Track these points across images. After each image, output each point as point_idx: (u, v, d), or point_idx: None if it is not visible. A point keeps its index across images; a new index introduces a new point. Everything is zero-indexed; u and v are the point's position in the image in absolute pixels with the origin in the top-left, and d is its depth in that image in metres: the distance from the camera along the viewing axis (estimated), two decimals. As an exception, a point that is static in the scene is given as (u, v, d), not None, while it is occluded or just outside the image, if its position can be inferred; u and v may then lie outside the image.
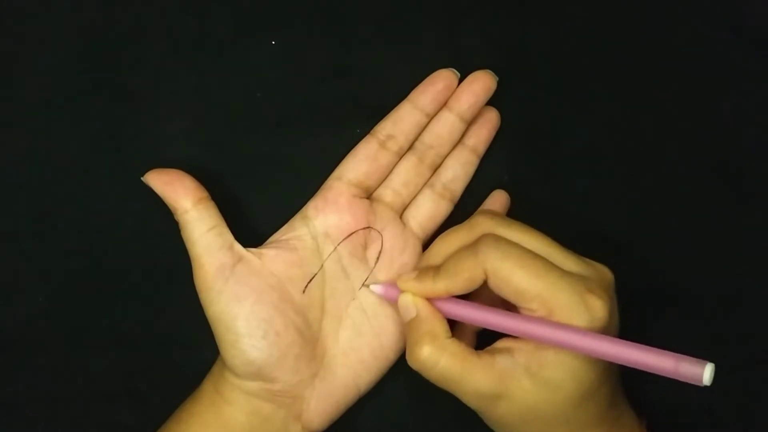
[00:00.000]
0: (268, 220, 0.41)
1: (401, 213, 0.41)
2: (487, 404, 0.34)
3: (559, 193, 0.43)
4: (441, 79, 0.40)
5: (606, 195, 0.43)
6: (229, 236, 0.37)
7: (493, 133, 0.42)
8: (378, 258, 0.40)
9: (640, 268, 0.43)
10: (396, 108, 0.40)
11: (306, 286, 0.38)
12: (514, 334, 0.34)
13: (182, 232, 0.37)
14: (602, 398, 0.35)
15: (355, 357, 0.39)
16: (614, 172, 0.44)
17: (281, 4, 0.43)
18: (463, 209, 0.42)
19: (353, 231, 0.39)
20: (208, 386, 0.38)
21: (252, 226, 0.41)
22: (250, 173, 0.42)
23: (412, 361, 0.35)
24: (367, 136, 0.40)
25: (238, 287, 0.36)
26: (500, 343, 0.35)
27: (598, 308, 0.33)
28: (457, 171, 0.41)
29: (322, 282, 0.39)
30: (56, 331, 0.41)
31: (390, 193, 0.41)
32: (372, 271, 0.40)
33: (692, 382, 0.30)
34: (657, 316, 0.43)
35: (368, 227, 0.39)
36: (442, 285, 0.35)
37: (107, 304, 0.42)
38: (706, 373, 0.30)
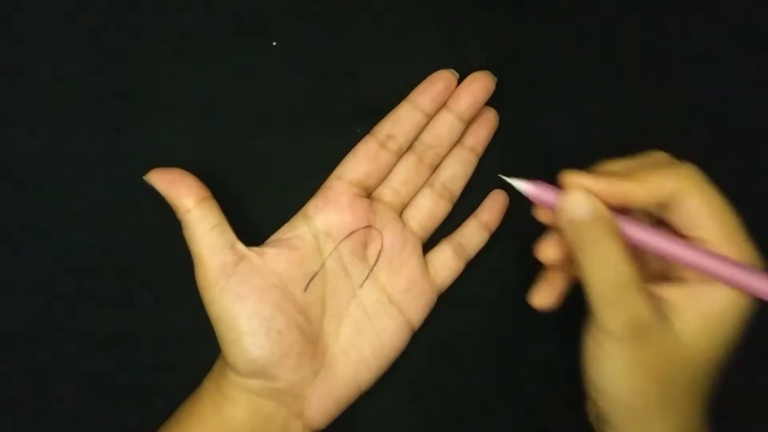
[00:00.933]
0: (268, 219, 0.41)
1: (401, 212, 0.41)
2: (635, 333, 0.32)
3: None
4: (440, 80, 0.40)
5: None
6: (231, 235, 0.37)
7: (492, 132, 0.42)
8: (378, 257, 0.40)
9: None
10: (396, 108, 0.41)
11: (307, 285, 0.38)
12: (703, 272, 0.32)
13: (184, 231, 0.37)
14: (713, 383, 0.34)
15: (355, 355, 0.39)
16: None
17: (281, 4, 0.43)
18: (462, 209, 0.42)
19: (354, 230, 0.39)
20: (209, 385, 0.38)
21: (252, 225, 0.41)
22: (250, 173, 0.42)
23: (592, 255, 0.32)
24: (367, 136, 0.40)
25: (240, 286, 0.36)
26: (672, 272, 0.34)
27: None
28: (457, 170, 0.42)
29: (323, 281, 0.39)
30: (56, 331, 0.41)
31: (390, 192, 0.41)
32: (371, 269, 0.40)
33: None
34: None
35: (369, 226, 0.39)
36: (624, 187, 0.32)
37: (107, 304, 0.42)
38: None
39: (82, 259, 0.42)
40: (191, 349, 0.41)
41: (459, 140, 0.42)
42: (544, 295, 0.37)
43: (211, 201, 0.37)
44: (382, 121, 0.41)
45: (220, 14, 0.43)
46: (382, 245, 0.40)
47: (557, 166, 0.43)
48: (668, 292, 0.33)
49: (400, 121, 0.40)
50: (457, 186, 0.42)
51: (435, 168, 0.42)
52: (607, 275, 0.32)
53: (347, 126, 0.42)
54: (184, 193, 0.37)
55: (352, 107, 0.43)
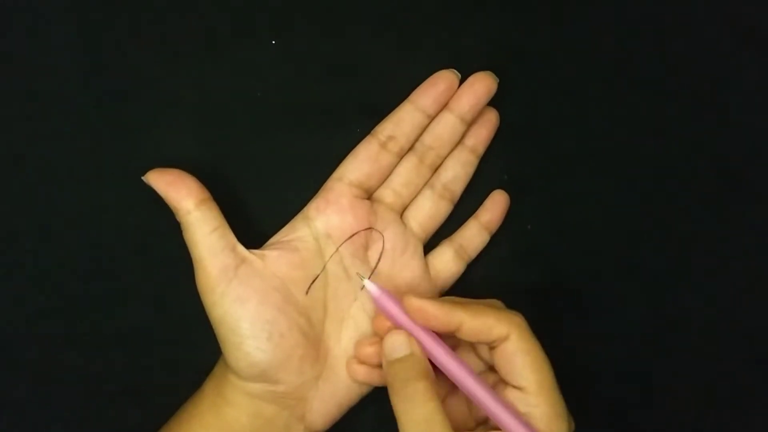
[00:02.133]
0: (268, 220, 0.41)
1: (402, 213, 0.41)
2: None
3: (558, 192, 0.44)
4: (442, 80, 0.40)
5: (605, 195, 0.44)
6: (231, 237, 0.37)
7: (493, 133, 0.42)
8: (379, 258, 0.40)
9: (640, 267, 0.43)
10: (397, 109, 0.40)
11: (309, 288, 0.38)
12: (490, 415, 0.35)
13: (184, 234, 0.37)
14: None
15: (357, 357, 0.39)
16: (614, 172, 0.44)
17: (281, 4, 0.43)
18: (463, 209, 0.42)
19: (355, 232, 0.39)
20: (209, 387, 0.38)
21: (251, 225, 0.41)
22: (250, 173, 0.42)
23: (403, 393, 0.34)
24: (368, 137, 0.40)
25: (242, 289, 0.36)
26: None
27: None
28: (458, 171, 0.41)
29: (324, 283, 0.39)
30: (56, 331, 0.41)
31: (390, 193, 0.41)
32: (373, 271, 0.40)
33: None
34: (656, 314, 0.43)
35: (370, 228, 0.39)
36: (458, 317, 0.35)
37: (107, 304, 0.42)
38: None
39: (82, 259, 0.42)
40: (191, 349, 0.41)
41: (460, 141, 0.41)
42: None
43: (211, 202, 0.37)
44: (384, 121, 0.40)
45: (220, 14, 0.43)
46: (383, 246, 0.40)
47: (559, 166, 0.44)
48: None
49: (402, 122, 0.40)
50: (458, 187, 0.42)
51: (436, 169, 0.41)
52: (414, 413, 0.33)
53: (347, 126, 0.41)
54: (183, 195, 0.36)
55: (352, 107, 0.42)
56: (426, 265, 0.41)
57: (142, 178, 0.37)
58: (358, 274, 0.39)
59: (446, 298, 0.37)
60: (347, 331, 0.39)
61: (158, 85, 0.42)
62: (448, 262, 0.41)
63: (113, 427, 0.41)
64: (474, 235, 0.42)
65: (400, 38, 0.43)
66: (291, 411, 0.38)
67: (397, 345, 0.35)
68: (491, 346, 0.35)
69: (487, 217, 0.42)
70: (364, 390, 0.39)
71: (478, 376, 0.35)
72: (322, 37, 0.43)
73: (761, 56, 0.44)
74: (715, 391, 0.43)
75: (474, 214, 0.42)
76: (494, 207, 0.42)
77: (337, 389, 0.38)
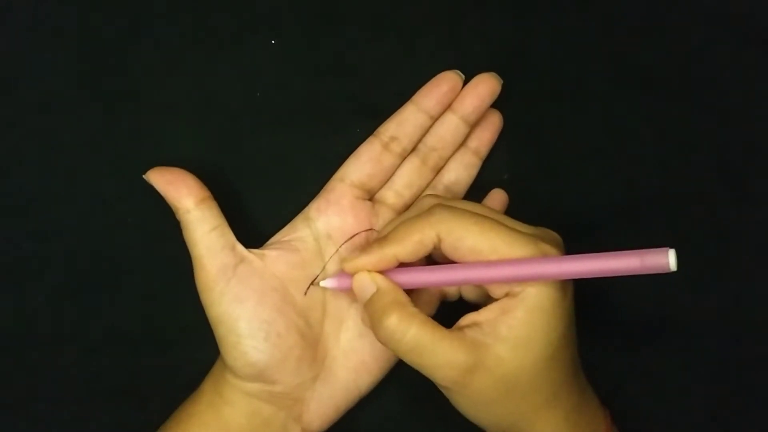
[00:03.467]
0: (267, 220, 0.41)
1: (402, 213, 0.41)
2: (462, 378, 0.33)
3: (559, 191, 0.44)
4: (446, 82, 0.40)
5: (606, 194, 0.44)
6: (231, 237, 0.37)
7: (496, 135, 0.42)
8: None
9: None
10: (400, 110, 0.40)
11: (308, 289, 0.38)
12: (480, 283, 0.34)
13: (184, 232, 0.37)
14: (568, 361, 0.35)
15: (356, 359, 0.39)
16: (614, 171, 0.44)
17: (281, 4, 0.43)
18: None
19: (356, 233, 0.39)
20: (207, 387, 0.38)
21: (251, 225, 0.41)
22: (250, 173, 0.42)
23: (381, 333, 0.33)
24: (371, 138, 0.40)
25: (240, 288, 0.36)
26: (463, 320, 0.34)
27: (553, 254, 0.33)
28: (460, 173, 0.41)
29: (323, 284, 0.39)
30: (56, 331, 0.41)
31: (392, 194, 0.40)
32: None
33: (660, 272, 0.30)
34: (656, 314, 0.43)
35: (370, 229, 0.39)
36: (390, 251, 0.34)
37: (107, 304, 0.42)
38: (670, 259, 0.30)
39: (82, 259, 0.42)
40: (191, 349, 0.41)
41: (463, 142, 0.41)
42: None
43: (211, 201, 0.37)
44: (386, 122, 0.40)
45: (220, 14, 0.43)
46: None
47: (560, 165, 0.44)
48: (480, 316, 0.34)
49: (405, 123, 0.40)
50: (460, 189, 0.42)
51: (438, 170, 0.41)
52: (401, 347, 0.33)
53: (347, 126, 0.41)
54: (183, 194, 0.36)
55: (352, 107, 0.42)
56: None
57: (143, 176, 0.37)
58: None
59: (369, 242, 0.37)
60: (346, 333, 0.39)
61: (158, 85, 0.42)
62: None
63: (112, 427, 0.41)
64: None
65: (400, 38, 0.43)
66: (288, 411, 0.38)
67: (364, 286, 0.35)
68: (439, 252, 0.35)
69: None
70: (362, 391, 0.39)
71: (450, 265, 0.35)
72: (322, 37, 0.43)
73: (761, 56, 0.44)
74: (715, 391, 0.43)
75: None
76: (493, 205, 0.42)
77: (334, 391, 0.38)
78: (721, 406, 0.43)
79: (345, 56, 0.43)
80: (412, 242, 0.34)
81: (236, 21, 0.43)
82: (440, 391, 0.35)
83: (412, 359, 0.33)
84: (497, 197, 0.42)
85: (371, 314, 0.34)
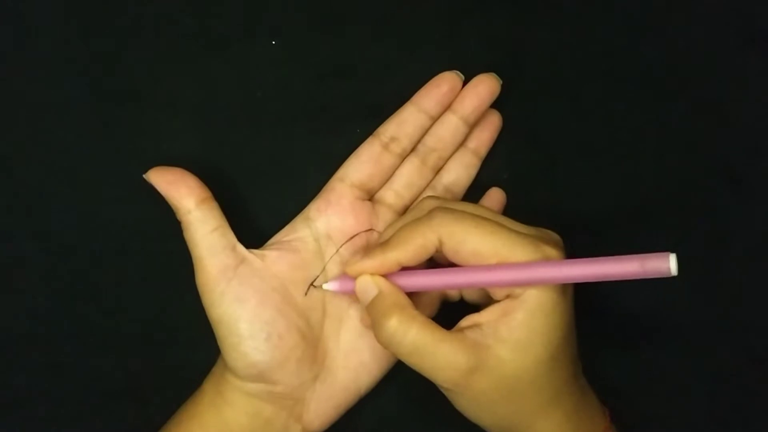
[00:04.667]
0: (267, 220, 0.41)
1: (403, 215, 0.41)
2: (463, 379, 0.33)
3: (558, 191, 0.44)
4: (445, 82, 0.40)
5: (605, 194, 0.44)
6: (231, 237, 0.37)
7: (495, 135, 0.42)
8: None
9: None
10: (399, 110, 0.40)
11: (308, 289, 0.38)
12: (481, 286, 0.34)
13: (185, 233, 0.37)
14: (569, 362, 0.35)
15: (356, 359, 0.39)
16: (613, 171, 0.44)
17: (281, 4, 0.43)
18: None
19: (356, 233, 0.39)
20: (208, 387, 0.38)
21: (251, 225, 0.41)
22: (250, 173, 0.42)
23: (382, 335, 0.34)
24: (370, 138, 0.40)
25: (241, 289, 0.36)
26: (464, 322, 0.35)
27: (554, 256, 0.33)
28: (459, 173, 0.41)
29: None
30: (56, 331, 0.41)
31: (392, 195, 0.40)
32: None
33: (660, 276, 0.30)
34: (656, 314, 0.43)
35: (370, 229, 0.39)
36: (392, 255, 0.34)
37: (107, 304, 0.42)
38: (671, 264, 0.30)
39: (82, 259, 0.42)
40: (191, 349, 0.41)
41: (462, 143, 0.41)
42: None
43: (211, 202, 0.37)
44: (386, 122, 0.40)
45: (220, 14, 0.43)
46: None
47: (559, 165, 0.44)
48: (481, 318, 0.34)
49: (404, 123, 0.40)
50: (460, 189, 0.42)
51: (438, 171, 0.41)
52: (401, 349, 0.33)
53: (347, 126, 0.41)
54: (184, 194, 0.36)
55: (352, 107, 0.42)
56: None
57: (144, 176, 0.37)
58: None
59: (371, 246, 0.38)
60: (346, 333, 0.39)
61: (158, 85, 0.42)
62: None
63: (113, 427, 0.41)
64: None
65: (400, 38, 0.43)
66: (289, 411, 0.38)
67: (366, 289, 0.35)
68: (441, 254, 0.35)
69: None
70: (362, 392, 0.39)
71: (451, 269, 0.35)
72: (322, 37, 0.43)
73: (762, 56, 0.44)
74: (716, 391, 0.43)
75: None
76: (491, 205, 0.42)
77: (334, 391, 0.38)
78: (721, 406, 0.43)
79: (345, 56, 0.43)
80: (414, 246, 0.34)
81: (236, 21, 0.43)
82: (440, 392, 0.35)
83: (413, 361, 0.34)
84: (495, 196, 0.42)
85: (373, 317, 0.34)
